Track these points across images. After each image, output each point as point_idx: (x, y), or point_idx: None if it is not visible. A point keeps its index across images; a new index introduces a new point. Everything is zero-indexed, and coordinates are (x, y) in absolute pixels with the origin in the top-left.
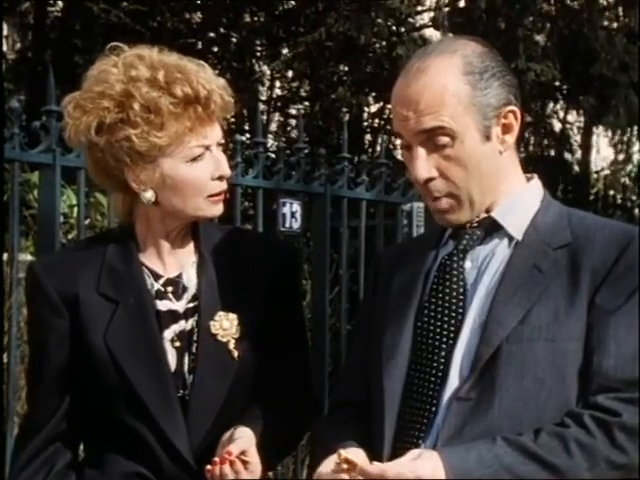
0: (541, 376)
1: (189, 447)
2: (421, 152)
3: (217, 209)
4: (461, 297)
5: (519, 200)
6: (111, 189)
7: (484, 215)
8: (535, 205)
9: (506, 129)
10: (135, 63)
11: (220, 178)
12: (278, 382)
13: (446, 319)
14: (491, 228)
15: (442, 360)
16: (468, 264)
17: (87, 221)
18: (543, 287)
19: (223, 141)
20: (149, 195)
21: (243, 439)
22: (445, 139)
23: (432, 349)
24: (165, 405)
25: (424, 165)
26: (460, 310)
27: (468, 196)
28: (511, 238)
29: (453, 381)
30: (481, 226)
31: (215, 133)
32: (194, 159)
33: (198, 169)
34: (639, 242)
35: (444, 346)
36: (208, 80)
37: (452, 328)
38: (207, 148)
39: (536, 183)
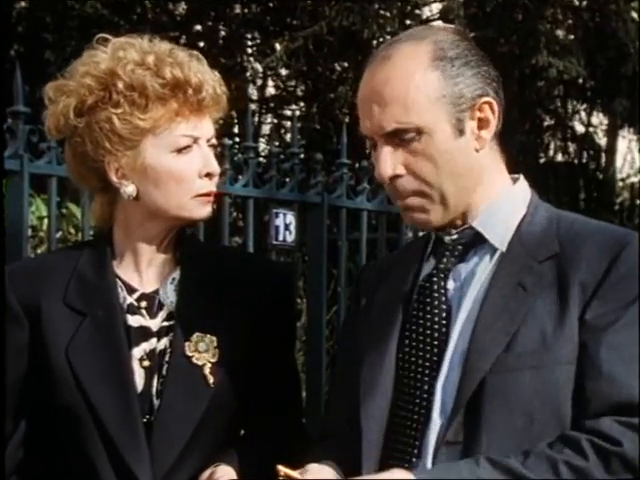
0: (530, 410)
1: (152, 478)
2: (386, 148)
3: (204, 211)
4: (444, 322)
5: (502, 206)
6: (91, 187)
7: (464, 225)
8: (520, 211)
9: (482, 124)
10: (125, 47)
11: (208, 176)
12: (263, 414)
13: (428, 348)
14: (473, 240)
15: (425, 395)
16: (451, 284)
17: (58, 234)
18: (527, 307)
19: (215, 142)
20: (130, 190)
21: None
22: (411, 134)
23: (415, 383)
24: (128, 431)
25: (389, 162)
26: (443, 338)
27: (440, 195)
28: (495, 250)
29: (436, 420)
30: (462, 238)
31: (205, 127)
32: (179, 150)
33: (184, 162)
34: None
35: (427, 379)
36: (201, 71)
37: (435, 358)
38: (195, 141)
39: (522, 185)
